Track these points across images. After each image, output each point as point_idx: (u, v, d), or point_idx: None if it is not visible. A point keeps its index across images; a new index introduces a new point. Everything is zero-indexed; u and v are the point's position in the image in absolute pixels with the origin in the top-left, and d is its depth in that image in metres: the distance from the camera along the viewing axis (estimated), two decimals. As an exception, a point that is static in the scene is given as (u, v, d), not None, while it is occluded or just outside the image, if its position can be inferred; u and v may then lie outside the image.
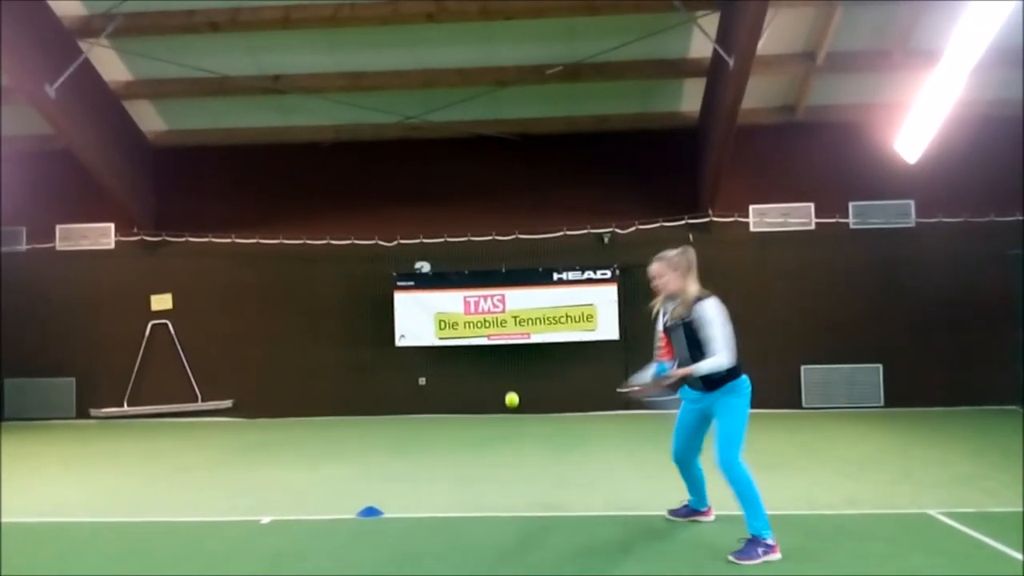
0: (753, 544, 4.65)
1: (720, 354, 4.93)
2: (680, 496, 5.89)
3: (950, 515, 5.51)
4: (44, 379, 13.08)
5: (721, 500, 5.92)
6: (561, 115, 12.81)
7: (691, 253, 5.28)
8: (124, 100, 12.52)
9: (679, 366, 5.10)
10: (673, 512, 5.62)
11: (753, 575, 4.43)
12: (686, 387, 5.23)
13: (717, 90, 11.14)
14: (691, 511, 5.56)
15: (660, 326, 5.33)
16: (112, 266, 13.25)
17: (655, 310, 5.41)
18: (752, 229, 12.77)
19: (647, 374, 5.36)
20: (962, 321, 12.32)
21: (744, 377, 5.09)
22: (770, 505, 6.04)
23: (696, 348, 5.01)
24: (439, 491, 6.84)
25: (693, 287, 5.18)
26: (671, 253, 5.28)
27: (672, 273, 5.21)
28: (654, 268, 5.27)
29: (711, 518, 5.52)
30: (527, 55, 11.58)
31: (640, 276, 12.54)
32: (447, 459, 8.58)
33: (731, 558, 4.61)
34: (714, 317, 5.01)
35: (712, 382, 5.00)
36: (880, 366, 12.44)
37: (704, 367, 4.92)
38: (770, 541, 4.66)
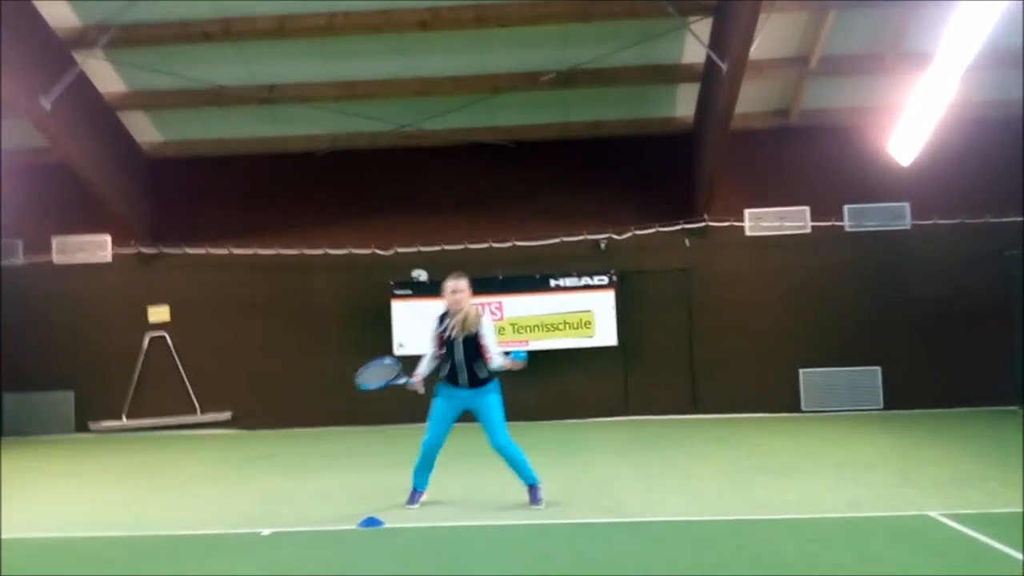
0: (535, 490, 6.24)
1: (499, 357, 6.21)
2: (674, 500, 5.90)
3: (951, 516, 5.50)
4: (43, 393, 13.03)
5: (729, 507, 5.95)
6: (555, 121, 12.83)
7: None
8: (119, 111, 12.53)
9: (458, 368, 6.24)
10: (410, 503, 6.47)
11: (747, 574, 4.42)
12: (447, 385, 6.35)
13: (711, 95, 11.17)
14: (419, 494, 6.54)
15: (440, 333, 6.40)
16: (109, 278, 13.22)
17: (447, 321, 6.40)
18: (748, 233, 12.80)
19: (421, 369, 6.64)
20: (960, 322, 12.35)
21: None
22: (770, 509, 6.05)
23: (475, 352, 6.19)
24: (439, 500, 6.82)
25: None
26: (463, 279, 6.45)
27: (468, 292, 6.37)
28: (462, 284, 6.42)
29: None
30: (521, 62, 11.61)
31: (638, 282, 12.70)
32: (447, 468, 8.54)
33: (532, 506, 6.14)
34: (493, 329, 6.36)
35: (479, 380, 6.22)
36: (879, 368, 12.46)
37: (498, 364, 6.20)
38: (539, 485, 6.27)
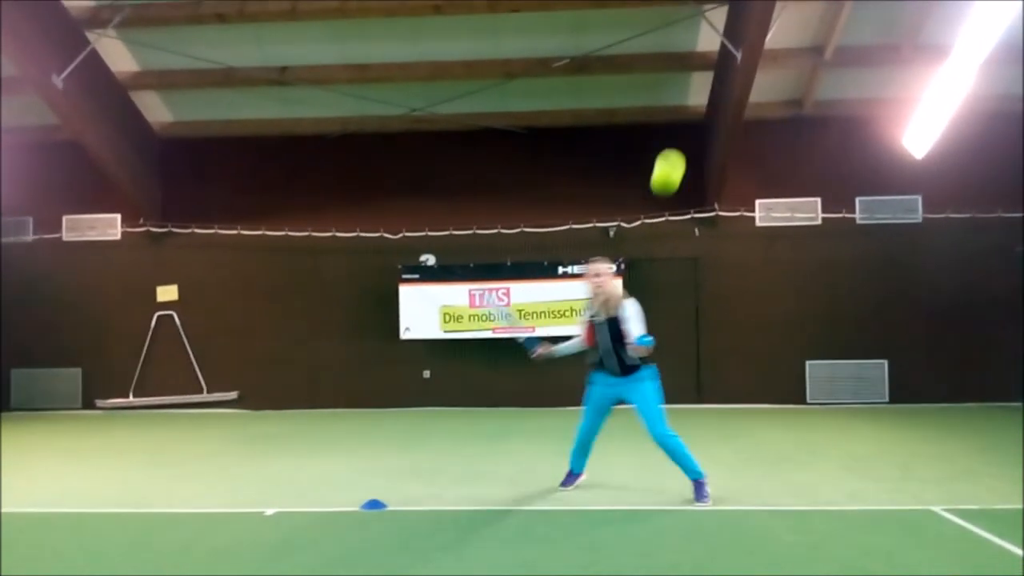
0: (700, 486, 5.93)
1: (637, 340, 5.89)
2: (680, 486, 5.91)
3: (953, 511, 5.50)
4: (50, 369, 13.14)
5: (731, 497, 5.96)
6: (568, 108, 12.78)
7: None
8: (131, 91, 12.54)
9: (604, 355, 6.07)
10: (565, 484, 6.47)
11: (757, 574, 4.43)
12: (598, 372, 6.17)
13: (724, 84, 11.10)
14: (575, 477, 6.52)
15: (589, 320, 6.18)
16: (118, 257, 13.29)
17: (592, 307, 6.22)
18: (758, 224, 12.74)
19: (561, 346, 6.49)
20: (968, 317, 12.29)
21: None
22: (773, 501, 6.06)
23: (620, 337, 5.96)
24: (443, 484, 6.85)
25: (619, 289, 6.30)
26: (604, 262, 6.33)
27: (609, 275, 6.25)
28: (603, 267, 6.25)
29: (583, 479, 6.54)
30: (534, 48, 11.55)
31: (646, 270, 12.67)
32: (451, 452, 8.60)
33: (698, 503, 5.83)
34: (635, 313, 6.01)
35: (629, 367, 6.03)
36: (885, 362, 12.42)
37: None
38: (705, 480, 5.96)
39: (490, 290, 12.59)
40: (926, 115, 10.88)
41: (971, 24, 9.00)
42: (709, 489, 5.92)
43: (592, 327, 6.09)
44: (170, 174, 13.42)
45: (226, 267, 13.18)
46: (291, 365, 13.04)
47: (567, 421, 11.07)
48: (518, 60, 11.77)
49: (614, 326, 5.94)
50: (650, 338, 5.80)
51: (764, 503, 6.01)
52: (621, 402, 6.15)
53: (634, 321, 5.91)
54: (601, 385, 6.16)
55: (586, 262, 6.34)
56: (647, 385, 6.03)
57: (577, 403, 12.39)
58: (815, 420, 10.84)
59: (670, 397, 12.37)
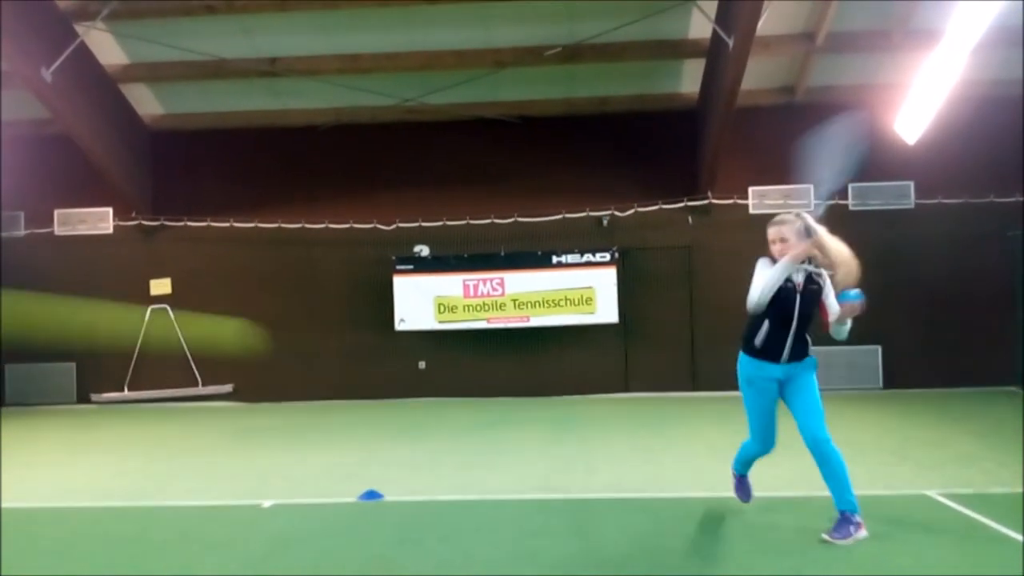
0: (846, 520, 4.53)
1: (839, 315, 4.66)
2: (676, 474, 5.90)
3: (949, 496, 5.53)
4: (45, 364, 13.09)
5: (727, 483, 5.96)
6: (560, 97, 12.76)
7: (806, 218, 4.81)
8: (121, 84, 12.47)
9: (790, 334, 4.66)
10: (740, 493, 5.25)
11: (754, 561, 4.44)
12: (766, 362, 4.74)
13: (716, 71, 11.09)
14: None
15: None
16: (111, 251, 13.23)
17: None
18: (752, 211, 12.74)
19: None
20: (961, 302, 12.34)
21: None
22: (770, 487, 6.08)
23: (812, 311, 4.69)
24: (440, 474, 6.86)
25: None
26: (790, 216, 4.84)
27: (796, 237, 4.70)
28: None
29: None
30: (525, 36, 11.51)
31: (640, 259, 12.67)
32: (447, 442, 8.61)
33: (831, 538, 4.48)
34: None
35: (804, 352, 4.72)
36: (879, 348, 12.47)
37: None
38: (857, 518, 4.52)
39: (484, 280, 12.58)
40: (918, 101, 10.89)
41: (962, 9, 8.99)
42: (858, 532, 4.49)
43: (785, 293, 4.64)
44: (162, 167, 13.36)
45: (219, 260, 13.14)
46: (286, 357, 13.00)
47: (562, 410, 11.14)
48: (509, 49, 11.73)
49: (809, 298, 4.67)
50: (858, 292, 4.60)
51: (761, 490, 6.02)
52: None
53: (833, 293, 4.71)
54: (767, 376, 4.78)
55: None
56: (813, 376, 4.76)
57: (571, 392, 12.54)
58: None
59: (665, 385, 12.58)
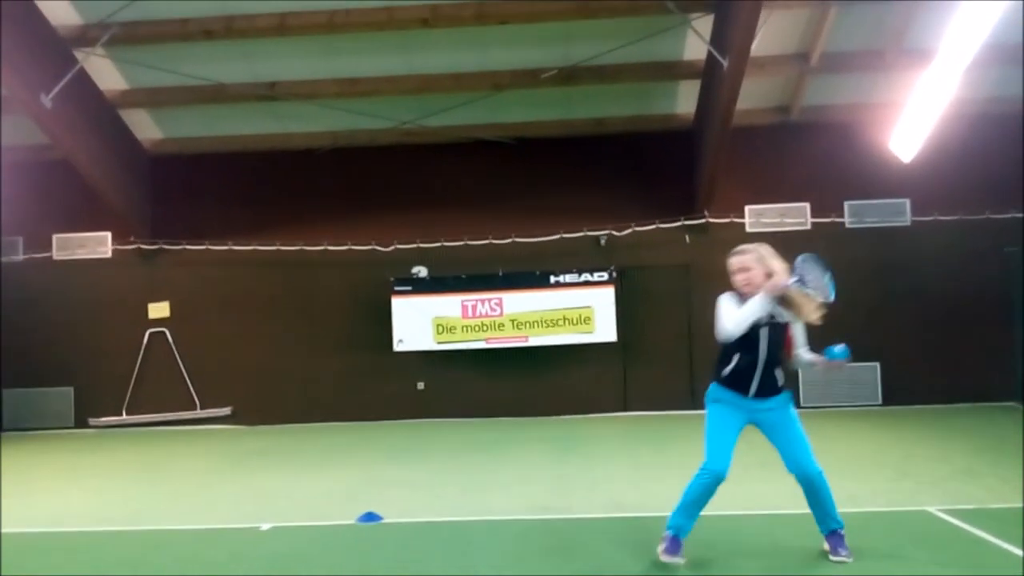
0: (839, 537, 4.61)
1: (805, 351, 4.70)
2: (672, 492, 5.88)
3: (949, 512, 5.52)
4: (43, 389, 13.06)
5: (728, 502, 5.95)
6: (557, 118, 12.83)
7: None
8: (120, 109, 12.53)
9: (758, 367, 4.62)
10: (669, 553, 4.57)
11: (746, 574, 4.43)
12: (728, 390, 4.72)
13: (712, 92, 11.17)
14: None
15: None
16: (109, 275, 13.24)
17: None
18: (748, 229, 12.78)
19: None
20: (959, 318, 12.35)
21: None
22: (769, 504, 6.07)
23: (781, 348, 4.64)
24: (439, 495, 6.84)
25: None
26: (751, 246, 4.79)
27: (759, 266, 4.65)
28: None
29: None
30: (522, 59, 11.60)
31: (638, 278, 12.71)
32: (447, 463, 8.58)
33: (835, 558, 4.52)
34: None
35: (778, 388, 4.70)
36: (878, 364, 12.46)
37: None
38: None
39: (482, 300, 12.60)
40: (912, 119, 10.97)
41: (955, 28, 9.08)
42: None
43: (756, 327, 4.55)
44: (160, 191, 13.40)
45: (218, 283, 13.15)
46: (285, 379, 13.00)
47: (562, 430, 11.11)
48: (506, 72, 11.82)
49: (781, 332, 4.63)
50: (846, 350, 4.67)
51: (762, 507, 6.02)
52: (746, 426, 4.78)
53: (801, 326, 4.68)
54: (735, 406, 4.70)
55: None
56: (792, 411, 4.76)
57: (570, 411, 12.52)
58: (809, 424, 10.72)
59: (664, 404, 12.56)
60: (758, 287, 4.53)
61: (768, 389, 4.61)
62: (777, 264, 4.62)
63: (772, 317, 4.57)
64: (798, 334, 4.67)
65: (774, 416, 4.65)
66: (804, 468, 4.59)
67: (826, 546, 4.64)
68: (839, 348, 4.58)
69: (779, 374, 4.66)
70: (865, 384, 12.45)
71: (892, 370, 12.42)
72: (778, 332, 4.59)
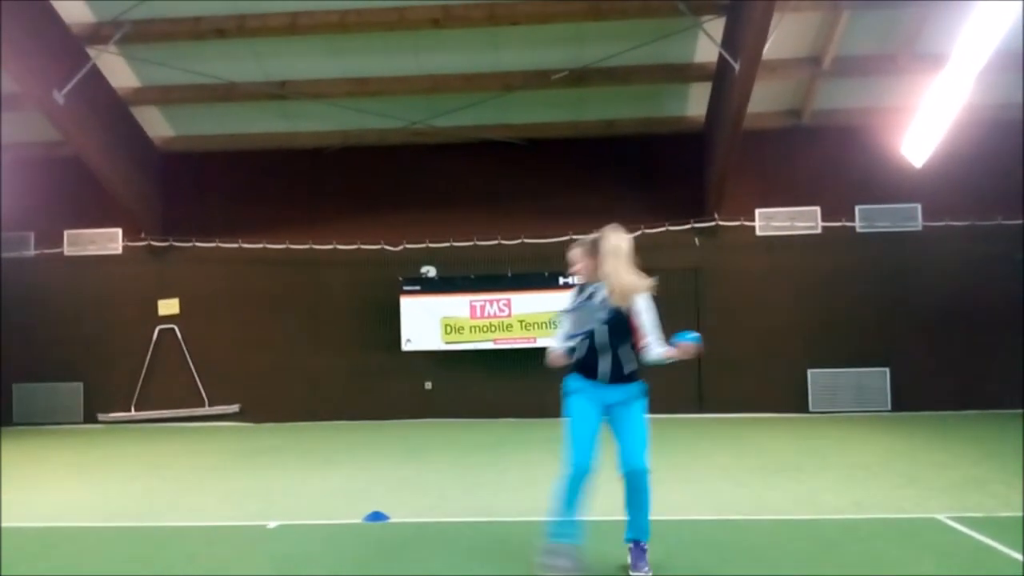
0: (643, 549, 4.58)
1: (658, 345, 4.57)
2: (678, 496, 5.86)
3: (958, 519, 5.49)
4: (52, 384, 13.14)
5: (734, 506, 5.95)
6: (567, 120, 12.82)
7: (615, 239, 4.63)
8: (132, 106, 12.59)
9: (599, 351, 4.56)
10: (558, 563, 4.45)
11: (752, 574, 4.42)
12: (582, 377, 4.59)
13: (723, 94, 11.14)
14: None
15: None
16: (120, 271, 13.30)
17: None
18: (758, 233, 12.76)
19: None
20: (969, 324, 12.29)
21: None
22: (776, 509, 6.05)
23: (622, 335, 4.56)
24: (446, 495, 6.84)
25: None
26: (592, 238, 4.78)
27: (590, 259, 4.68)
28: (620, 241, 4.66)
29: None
30: (533, 60, 11.60)
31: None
32: (454, 464, 8.58)
33: (635, 573, 4.45)
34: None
35: (625, 376, 4.57)
36: (887, 370, 12.41)
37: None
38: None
39: (491, 301, 12.60)
40: (924, 123, 10.92)
41: (968, 32, 9.04)
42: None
43: (584, 314, 4.64)
44: (171, 188, 13.45)
45: (227, 280, 13.19)
46: (293, 377, 13.03)
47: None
48: (517, 72, 11.81)
49: (622, 318, 4.55)
50: (696, 334, 4.50)
51: (769, 512, 6.00)
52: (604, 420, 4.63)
53: (651, 314, 4.64)
54: (587, 397, 4.58)
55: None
56: (640, 404, 4.62)
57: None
58: (818, 429, 10.83)
59: (672, 407, 12.54)
60: (590, 277, 4.65)
61: (615, 375, 4.53)
62: (609, 258, 4.53)
63: (603, 303, 4.56)
64: (643, 324, 4.58)
65: (623, 409, 4.56)
66: (634, 463, 4.52)
67: (628, 559, 4.57)
68: (693, 334, 4.50)
69: (626, 361, 4.57)
70: (874, 389, 12.39)
71: (902, 376, 12.37)
72: (613, 317, 4.53)
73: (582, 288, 4.73)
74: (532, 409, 12.52)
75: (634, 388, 4.59)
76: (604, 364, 4.53)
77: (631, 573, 4.46)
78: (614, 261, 4.51)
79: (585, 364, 4.57)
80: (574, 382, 4.63)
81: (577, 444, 4.51)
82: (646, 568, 4.45)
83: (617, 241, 4.58)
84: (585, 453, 4.49)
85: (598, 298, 4.58)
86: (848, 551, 4.87)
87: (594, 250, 4.64)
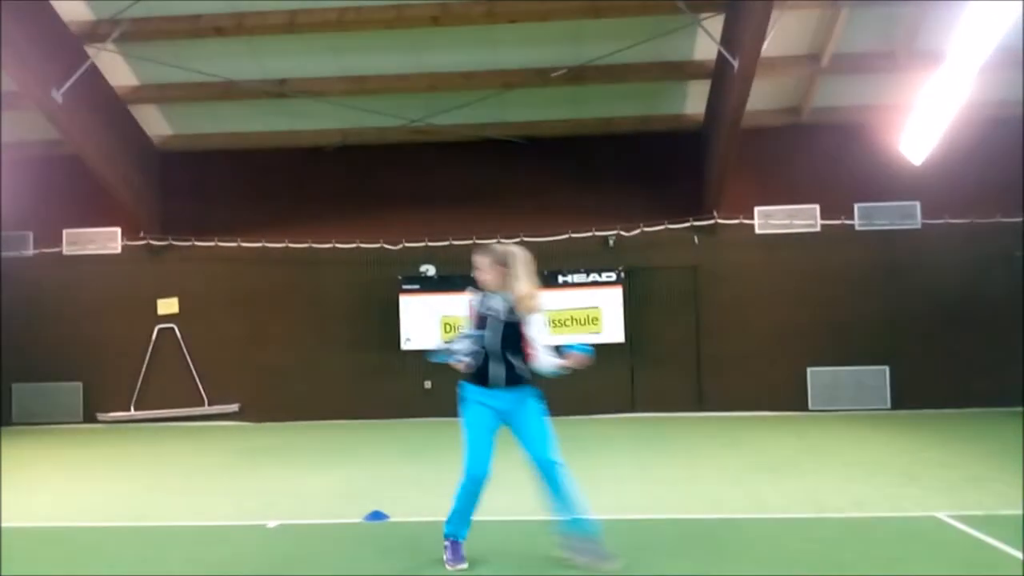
0: (598, 548, 4.65)
1: (547, 355, 4.80)
2: (678, 494, 5.87)
3: (958, 518, 5.49)
4: (52, 384, 13.12)
5: (734, 505, 5.96)
6: (566, 118, 12.81)
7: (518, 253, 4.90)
8: (130, 105, 12.57)
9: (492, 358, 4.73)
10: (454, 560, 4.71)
11: (752, 573, 4.42)
12: (482, 387, 4.72)
13: (722, 92, 11.13)
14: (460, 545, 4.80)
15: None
16: (119, 270, 13.28)
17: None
18: (757, 231, 12.76)
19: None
20: (969, 322, 12.29)
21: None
22: (776, 508, 6.05)
23: (514, 343, 4.73)
24: (446, 495, 6.78)
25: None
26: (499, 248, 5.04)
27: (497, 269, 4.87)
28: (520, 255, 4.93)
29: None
30: (532, 58, 11.59)
31: (646, 278, 12.69)
32: (453, 463, 8.53)
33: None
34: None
35: (519, 379, 4.76)
36: (887, 368, 12.42)
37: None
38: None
39: (490, 300, 12.57)
40: (924, 121, 10.90)
41: (967, 29, 9.02)
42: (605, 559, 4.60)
43: (483, 320, 4.79)
44: (170, 187, 13.43)
45: (226, 279, 13.18)
46: (292, 377, 13.02)
47: (567, 430, 11.07)
48: (516, 70, 11.80)
49: (513, 327, 4.73)
50: (589, 346, 4.72)
51: (769, 511, 6.00)
52: (501, 425, 4.79)
53: (541, 328, 4.84)
54: (482, 403, 4.73)
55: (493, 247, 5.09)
56: (534, 403, 4.80)
57: (576, 412, 12.48)
58: (817, 427, 10.83)
59: (672, 405, 12.54)
60: (492, 287, 4.85)
61: (507, 380, 4.70)
62: (520, 272, 4.81)
63: (495, 312, 4.76)
64: (533, 336, 4.76)
65: (518, 412, 4.74)
66: (541, 457, 4.71)
67: (573, 555, 4.67)
68: (583, 344, 4.74)
69: (519, 368, 4.74)
70: (874, 388, 12.40)
71: (901, 374, 12.37)
72: (505, 327, 4.73)
73: (484, 296, 4.90)
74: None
75: (526, 391, 4.78)
76: (498, 370, 4.71)
77: (564, 554, 4.66)
78: (526, 275, 4.80)
79: (479, 371, 4.74)
80: (469, 390, 4.79)
81: (473, 451, 4.71)
82: (589, 558, 4.57)
83: (527, 256, 4.90)
84: (482, 460, 4.70)
85: (497, 307, 4.78)
86: (848, 549, 4.87)
87: (502, 261, 4.86)
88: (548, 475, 4.74)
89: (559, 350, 4.77)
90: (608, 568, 4.53)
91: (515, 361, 4.73)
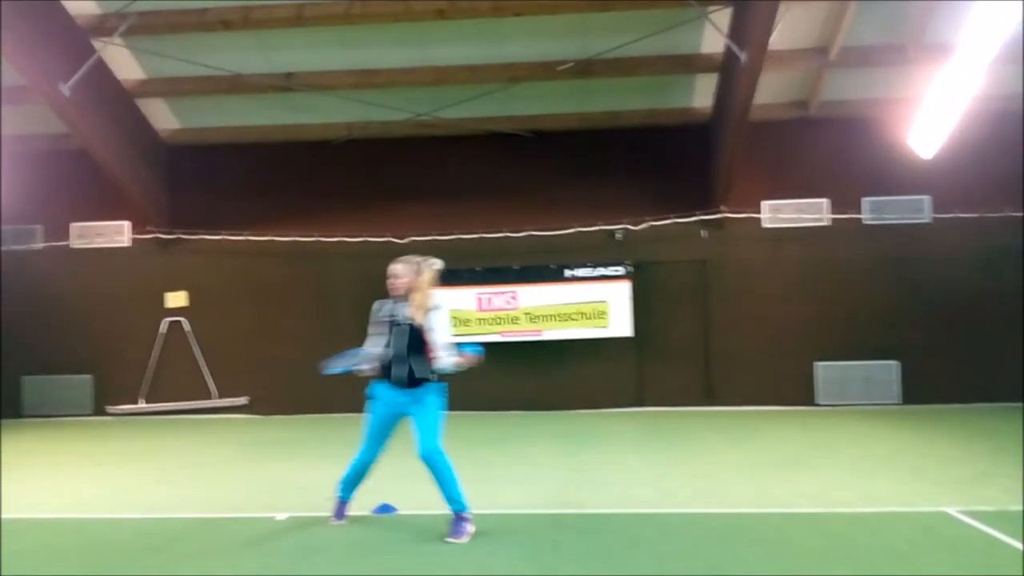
0: (461, 521, 5.18)
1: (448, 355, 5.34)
2: (690, 489, 5.86)
3: (968, 513, 5.47)
4: (61, 376, 13.18)
5: (743, 499, 5.95)
6: (573, 111, 12.78)
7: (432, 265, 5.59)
8: (138, 98, 12.59)
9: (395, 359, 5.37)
10: (338, 517, 5.66)
11: (767, 574, 4.40)
12: (389, 385, 5.40)
13: (730, 86, 11.09)
14: (345, 505, 5.71)
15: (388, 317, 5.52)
16: (127, 264, 13.32)
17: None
18: (765, 225, 12.71)
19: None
20: (979, 317, 12.24)
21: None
22: (785, 502, 6.04)
23: (416, 346, 5.34)
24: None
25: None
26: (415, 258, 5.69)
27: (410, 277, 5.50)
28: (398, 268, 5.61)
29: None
30: (538, 51, 11.56)
31: (653, 273, 12.67)
32: (460, 456, 8.51)
33: (449, 540, 5.07)
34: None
35: (418, 380, 5.35)
36: (896, 363, 12.37)
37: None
38: (467, 515, 5.23)
39: (497, 294, 12.59)
40: (933, 114, 10.84)
41: (977, 22, 8.96)
42: (470, 528, 5.18)
43: (390, 326, 5.44)
44: (178, 181, 13.45)
45: (234, 273, 13.21)
46: (301, 370, 12.98)
47: (576, 424, 11.10)
48: (523, 64, 11.77)
49: (416, 332, 5.33)
50: (480, 345, 5.40)
51: (778, 505, 5.99)
52: (401, 419, 5.46)
53: (443, 331, 5.37)
54: (384, 400, 5.42)
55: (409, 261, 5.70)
56: (431, 399, 5.37)
57: (584, 406, 12.50)
58: (826, 422, 10.81)
59: (681, 400, 12.52)
60: (404, 294, 5.46)
61: (408, 380, 5.33)
62: (426, 283, 5.49)
63: (403, 319, 5.39)
64: (434, 341, 5.32)
65: (416, 407, 5.35)
66: (422, 447, 5.27)
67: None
68: (475, 345, 5.41)
69: (418, 368, 5.34)
70: (883, 382, 12.36)
71: (911, 369, 12.32)
72: (406, 332, 5.35)
73: (393, 303, 5.52)
74: (539, 402, 12.54)
75: (425, 390, 5.36)
76: (400, 370, 5.33)
77: (446, 539, 5.08)
78: (429, 286, 5.46)
79: (385, 370, 5.39)
80: (377, 387, 5.47)
81: (367, 442, 5.52)
82: (462, 536, 5.09)
83: (439, 269, 5.63)
84: (371, 450, 5.52)
85: (400, 313, 5.40)
86: (857, 544, 4.86)
87: (418, 271, 5.52)
88: (429, 463, 5.29)
89: (459, 348, 5.36)
90: (471, 531, 5.14)
91: (415, 363, 5.32)
